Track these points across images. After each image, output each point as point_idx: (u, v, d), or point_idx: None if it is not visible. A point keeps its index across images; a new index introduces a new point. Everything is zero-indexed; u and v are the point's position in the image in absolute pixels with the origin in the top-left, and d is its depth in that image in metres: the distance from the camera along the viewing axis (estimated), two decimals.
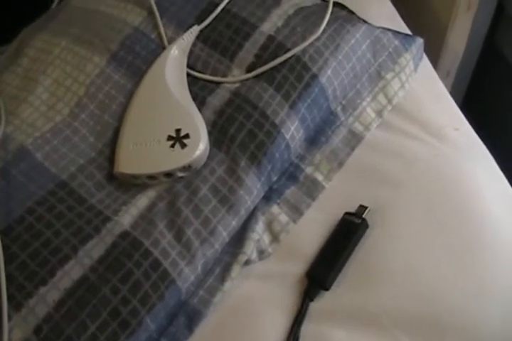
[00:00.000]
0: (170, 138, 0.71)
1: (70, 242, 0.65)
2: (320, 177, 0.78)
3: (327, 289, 0.69)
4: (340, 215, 0.75)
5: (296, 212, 0.75)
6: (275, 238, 0.73)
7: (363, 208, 0.75)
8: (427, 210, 0.76)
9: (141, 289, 0.63)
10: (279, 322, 0.67)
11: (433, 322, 0.68)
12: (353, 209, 0.75)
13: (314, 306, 0.69)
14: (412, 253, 0.73)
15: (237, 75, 0.80)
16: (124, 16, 0.84)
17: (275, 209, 0.74)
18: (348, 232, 0.73)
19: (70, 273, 0.63)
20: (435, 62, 1.13)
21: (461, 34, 1.12)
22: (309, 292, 0.69)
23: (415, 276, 0.71)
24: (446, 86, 0.95)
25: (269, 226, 0.73)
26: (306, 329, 0.68)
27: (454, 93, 1.17)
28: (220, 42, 0.83)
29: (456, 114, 0.89)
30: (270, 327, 0.67)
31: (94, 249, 0.65)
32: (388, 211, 0.76)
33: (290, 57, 0.80)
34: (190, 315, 0.66)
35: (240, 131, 0.75)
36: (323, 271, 0.70)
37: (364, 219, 0.73)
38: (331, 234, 0.73)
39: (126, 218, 0.68)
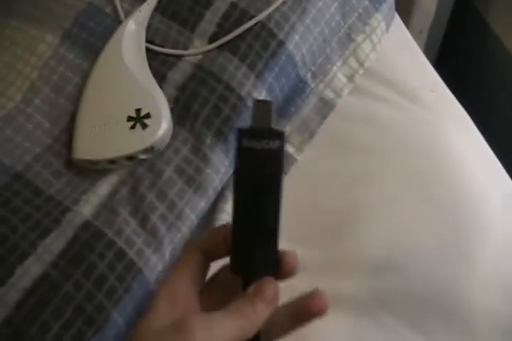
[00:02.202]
0: (130, 119, 0.63)
1: (28, 238, 0.57)
2: (291, 150, 0.70)
3: None
4: (314, 188, 0.67)
5: None
6: None
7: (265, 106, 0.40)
8: (404, 177, 0.69)
9: (106, 282, 0.56)
10: None
11: (416, 297, 0.61)
12: (326, 180, 0.68)
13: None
14: (391, 223, 0.66)
15: (199, 47, 0.71)
16: None
17: None
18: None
19: (30, 270, 0.56)
20: (407, 20, 1.04)
21: None
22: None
23: (394, 248, 0.64)
24: (419, 45, 0.87)
25: None
26: None
27: (427, 52, 1.08)
28: (180, 12, 0.73)
29: (432, 75, 0.81)
30: None
31: (54, 243, 0.57)
32: (363, 178, 0.68)
33: (255, 25, 0.72)
34: None
35: (204, 107, 0.66)
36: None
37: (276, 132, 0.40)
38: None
39: (87, 207, 0.60)
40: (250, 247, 0.40)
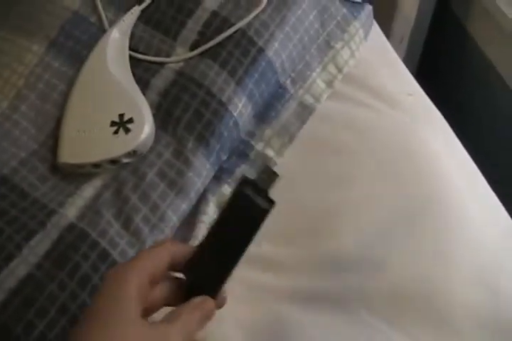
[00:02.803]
0: (113, 123, 0.65)
1: (13, 240, 0.58)
2: (271, 153, 0.71)
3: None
4: (294, 189, 0.68)
5: None
6: None
7: (271, 175, 0.46)
8: (383, 178, 0.71)
9: (90, 282, 0.57)
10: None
11: (396, 295, 0.62)
12: (306, 183, 0.69)
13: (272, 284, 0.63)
14: (369, 223, 0.67)
15: (181, 54, 0.73)
16: (62, 0, 0.75)
17: (226, 189, 0.68)
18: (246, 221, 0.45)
19: (15, 271, 0.57)
20: (388, 27, 1.06)
21: None
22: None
23: (372, 247, 0.65)
24: (400, 52, 0.89)
25: (220, 207, 0.67)
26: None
27: (408, 58, 1.10)
28: (163, 21, 0.75)
29: (409, 79, 0.83)
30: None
31: (39, 245, 0.58)
32: (343, 181, 0.70)
33: (235, 32, 0.73)
34: None
35: (185, 112, 0.68)
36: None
37: (269, 198, 0.45)
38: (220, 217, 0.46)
39: (72, 210, 0.61)
40: (209, 262, 0.44)
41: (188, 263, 0.43)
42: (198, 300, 0.42)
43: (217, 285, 0.44)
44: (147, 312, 0.42)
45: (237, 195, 0.44)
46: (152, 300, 0.42)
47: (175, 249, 0.44)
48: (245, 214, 0.44)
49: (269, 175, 0.45)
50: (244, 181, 0.44)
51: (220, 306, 0.44)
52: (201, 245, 0.44)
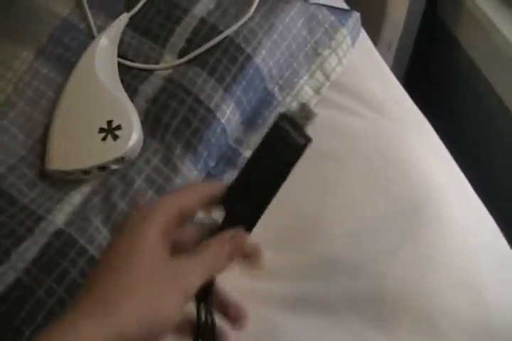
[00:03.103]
0: (101, 130, 0.65)
1: (2, 245, 0.59)
2: None
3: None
4: (283, 194, 0.68)
5: None
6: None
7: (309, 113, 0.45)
8: (371, 185, 0.71)
9: (78, 288, 0.57)
10: None
11: (381, 299, 0.63)
12: (295, 189, 0.69)
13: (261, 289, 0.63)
14: (356, 228, 0.68)
15: (169, 61, 0.74)
16: (52, 7, 0.76)
17: None
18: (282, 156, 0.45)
19: (3, 277, 0.57)
20: (377, 34, 1.07)
21: (400, 4, 1.05)
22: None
23: (358, 251, 0.66)
24: (389, 58, 0.89)
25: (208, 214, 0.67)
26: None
27: (397, 65, 1.11)
28: (151, 28, 0.76)
29: (396, 86, 0.83)
30: None
31: (27, 251, 0.59)
32: (331, 187, 0.70)
33: (223, 40, 0.74)
34: None
35: (174, 119, 0.68)
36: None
37: (306, 135, 0.45)
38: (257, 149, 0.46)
39: (60, 216, 0.62)
40: (246, 197, 0.43)
41: (225, 196, 0.43)
42: (230, 232, 0.41)
43: (253, 219, 0.43)
44: (176, 250, 0.41)
45: (275, 128, 0.43)
46: (182, 239, 0.42)
47: (204, 187, 0.43)
48: (282, 148, 0.43)
49: (307, 113, 0.44)
50: (283, 116, 0.43)
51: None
52: (237, 179, 0.44)
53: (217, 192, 0.42)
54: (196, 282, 0.39)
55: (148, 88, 0.71)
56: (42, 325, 0.55)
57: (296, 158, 0.44)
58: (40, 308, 0.56)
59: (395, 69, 0.88)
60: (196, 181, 0.65)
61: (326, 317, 0.62)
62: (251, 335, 0.60)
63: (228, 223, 0.43)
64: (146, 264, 0.37)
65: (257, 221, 0.43)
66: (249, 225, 0.43)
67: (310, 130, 0.78)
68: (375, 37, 0.92)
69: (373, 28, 0.93)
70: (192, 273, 0.39)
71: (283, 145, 0.43)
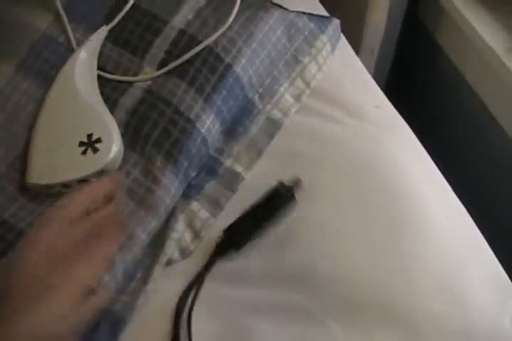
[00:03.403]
0: (82, 144, 0.66)
1: None
2: (239, 169, 0.72)
3: (238, 248, 0.66)
4: None
5: (216, 207, 0.69)
6: (197, 235, 0.67)
7: (297, 182, 0.69)
8: (351, 191, 0.72)
9: None
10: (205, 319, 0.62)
11: (363, 306, 0.63)
12: None
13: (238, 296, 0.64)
14: (336, 235, 0.68)
15: (148, 73, 0.74)
16: (31, 21, 0.77)
17: (195, 206, 0.69)
18: (274, 202, 0.68)
19: None
20: (359, 40, 1.07)
21: (380, 9, 1.06)
22: (221, 246, 0.67)
23: (339, 259, 0.66)
24: (371, 64, 0.89)
25: (189, 223, 0.68)
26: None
27: (379, 70, 1.11)
28: (130, 40, 0.76)
29: (376, 91, 0.84)
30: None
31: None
32: (310, 195, 0.71)
33: (202, 50, 0.74)
34: (113, 322, 0.60)
35: (153, 130, 0.69)
36: (239, 231, 0.67)
37: (293, 194, 0.68)
38: (258, 200, 0.68)
39: None
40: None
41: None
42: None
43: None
44: None
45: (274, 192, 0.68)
46: None
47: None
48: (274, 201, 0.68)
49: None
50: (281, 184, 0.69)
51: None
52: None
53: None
54: None
55: (128, 100, 0.71)
56: None
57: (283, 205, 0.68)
58: None
59: (376, 75, 0.88)
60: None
61: (305, 324, 0.62)
62: None
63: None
64: None
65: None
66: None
67: (281, 136, 0.79)
68: (356, 43, 0.92)
69: (354, 34, 0.94)
70: None
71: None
